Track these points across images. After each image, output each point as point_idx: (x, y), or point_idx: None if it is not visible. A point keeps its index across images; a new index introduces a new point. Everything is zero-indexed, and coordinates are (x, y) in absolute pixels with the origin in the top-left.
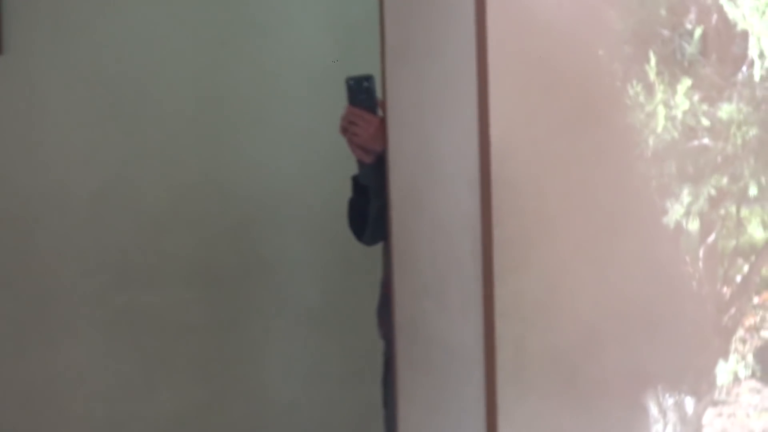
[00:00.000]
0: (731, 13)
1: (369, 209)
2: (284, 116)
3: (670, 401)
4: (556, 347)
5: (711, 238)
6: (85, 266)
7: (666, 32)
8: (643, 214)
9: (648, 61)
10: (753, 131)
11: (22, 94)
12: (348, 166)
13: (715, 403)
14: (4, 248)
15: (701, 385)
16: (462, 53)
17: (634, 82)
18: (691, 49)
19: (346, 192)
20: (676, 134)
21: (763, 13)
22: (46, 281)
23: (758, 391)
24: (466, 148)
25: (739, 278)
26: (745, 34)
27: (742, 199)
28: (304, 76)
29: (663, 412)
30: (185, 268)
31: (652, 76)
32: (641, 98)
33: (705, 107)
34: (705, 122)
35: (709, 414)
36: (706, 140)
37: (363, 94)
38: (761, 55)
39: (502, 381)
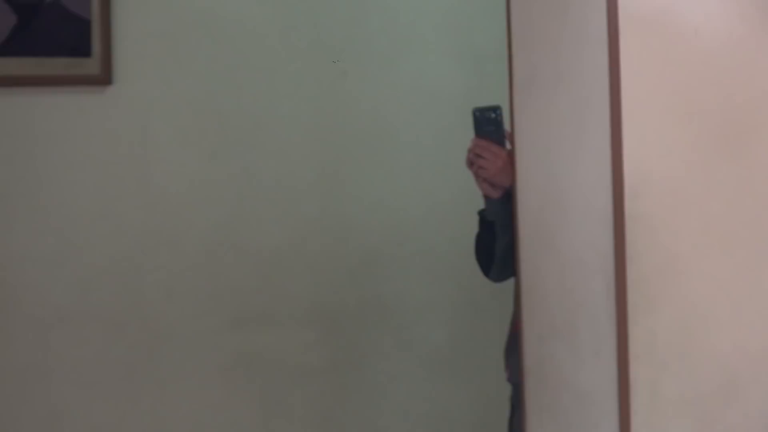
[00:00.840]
0: None
1: (496, 245)
2: (408, 149)
3: None
4: (693, 392)
5: None
6: (197, 307)
7: None
8: None
9: None
10: None
11: (132, 126)
12: (475, 200)
13: None
14: (113, 290)
15: None
16: (594, 81)
17: None
18: None
19: (473, 228)
20: None
21: None
22: (156, 323)
23: None
24: (597, 182)
25: None
26: None
27: None
28: (429, 108)
29: None
30: (303, 308)
31: None
32: None
33: None
34: None
35: None
36: None
37: (490, 126)
38: None
39: (636, 428)
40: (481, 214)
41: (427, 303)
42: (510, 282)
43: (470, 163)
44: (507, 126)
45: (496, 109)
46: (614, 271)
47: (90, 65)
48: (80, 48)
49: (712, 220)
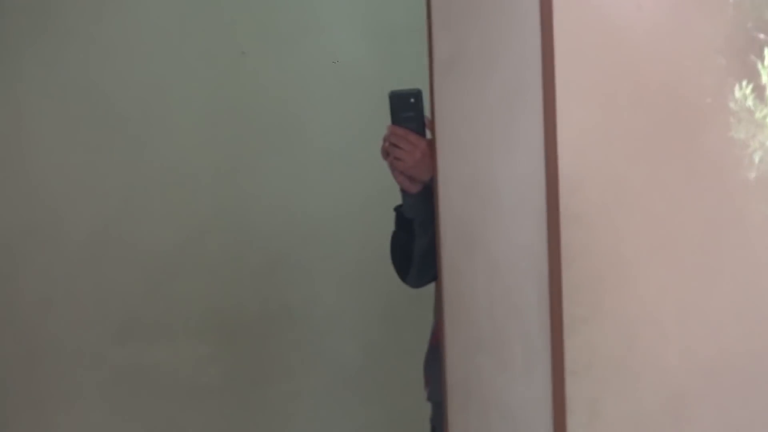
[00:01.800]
0: None
1: (414, 246)
2: (316, 139)
3: None
4: (637, 411)
5: None
6: (78, 317)
7: None
8: (743, 253)
9: (757, 63)
10: None
11: (4, 112)
12: (391, 196)
13: None
14: None
15: None
16: (525, 62)
17: (739, 88)
18: None
19: (389, 227)
20: None
21: None
22: (31, 335)
23: None
24: (529, 176)
25: None
26: None
27: None
28: (337, 91)
29: None
30: (197, 317)
31: (765, 78)
32: (749, 104)
33: None
34: None
35: None
36: None
37: (409, 112)
38: None
39: None
40: (398, 210)
41: (337, 312)
42: (430, 288)
43: (386, 154)
44: (427, 112)
45: (415, 94)
46: (549, 276)
47: None
48: None
49: (657, 219)
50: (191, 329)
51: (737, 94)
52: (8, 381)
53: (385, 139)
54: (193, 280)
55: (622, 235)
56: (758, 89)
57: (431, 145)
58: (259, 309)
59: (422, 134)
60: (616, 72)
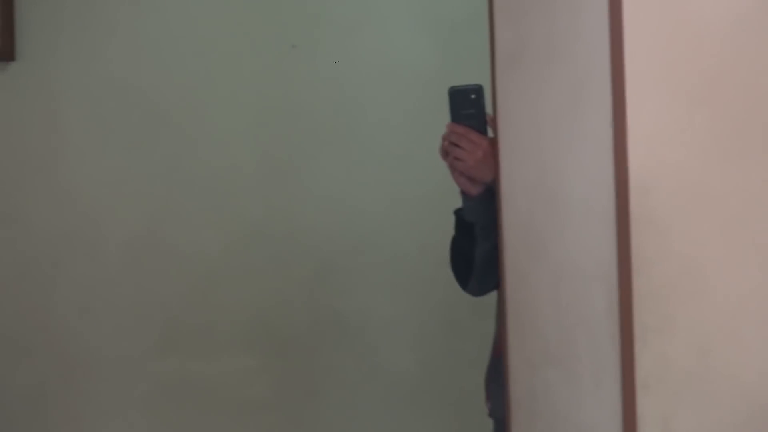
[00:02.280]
0: None
1: (476, 252)
2: (371, 137)
3: None
4: (713, 428)
5: None
6: (117, 326)
7: None
8: None
9: None
10: None
11: (40, 110)
12: (450, 198)
13: None
14: (17, 306)
15: None
16: (593, 56)
17: None
18: None
19: (448, 231)
20: None
21: None
22: (68, 346)
23: None
24: (598, 177)
25: None
26: None
27: None
28: (395, 88)
29: None
30: (245, 328)
31: None
32: None
33: None
34: None
35: None
36: None
37: (469, 109)
38: None
39: None
40: (458, 214)
41: (394, 321)
42: (492, 296)
43: (445, 153)
44: (489, 109)
45: (476, 89)
46: (618, 283)
47: None
48: None
49: (735, 223)
50: (238, 340)
51: None
52: (46, 393)
53: (444, 138)
54: (240, 288)
55: (697, 240)
56: None
57: (493, 144)
58: (310, 319)
59: (484, 133)
60: (692, 65)
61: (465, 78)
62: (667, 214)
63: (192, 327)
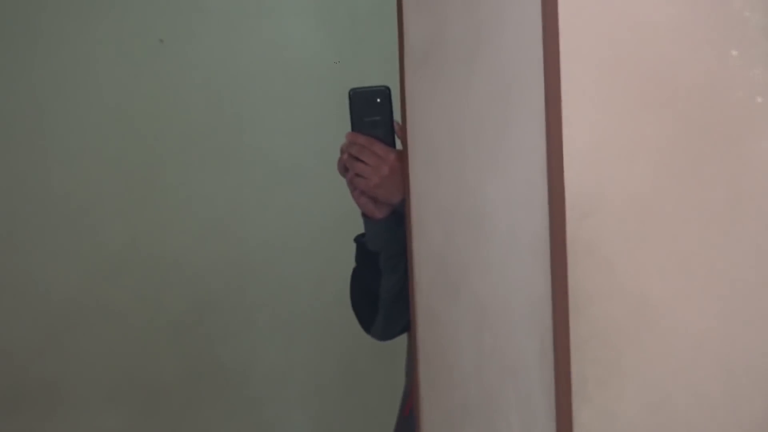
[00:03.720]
0: None
1: (381, 287)
2: (253, 149)
3: None
4: None
5: None
6: None
7: None
8: None
9: None
10: None
11: None
12: (350, 223)
13: None
14: None
15: None
16: (522, 54)
17: None
18: None
19: (349, 262)
20: None
21: None
22: None
23: None
24: (528, 196)
25: None
26: None
27: None
28: (284, 89)
29: None
30: (105, 382)
31: None
32: None
33: None
34: None
35: None
36: None
37: (374, 116)
38: None
39: None
40: (360, 241)
41: (283, 372)
42: (401, 341)
43: (344, 168)
44: (397, 116)
45: (382, 92)
46: (552, 326)
47: None
48: None
49: (692, 250)
50: (96, 395)
51: None
52: None
53: (343, 150)
54: (99, 333)
55: (647, 272)
56: None
57: (402, 158)
58: (182, 369)
59: (391, 144)
60: (638, 66)
61: (369, 79)
62: (610, 241)
63: (41, 380)
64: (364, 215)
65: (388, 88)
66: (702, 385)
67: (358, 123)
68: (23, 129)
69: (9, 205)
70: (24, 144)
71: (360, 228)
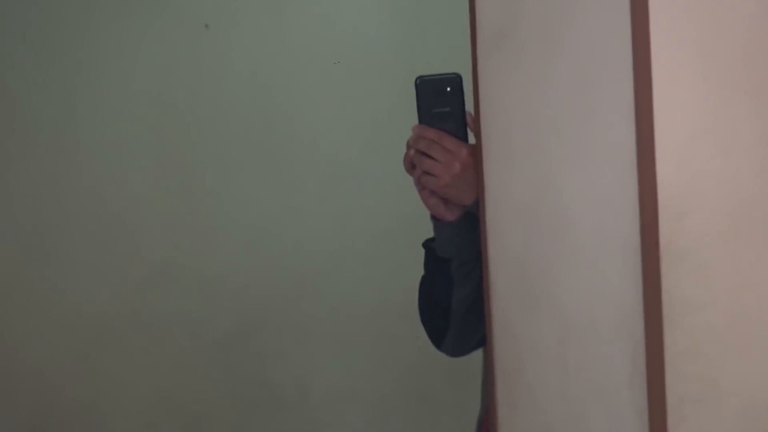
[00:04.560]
0: None
1: (453, 297)
2: (306, 146)
3: None
4: None
5: None
6: None
7: None
8: None
9: None
10: None
11: None
12: (417, 226)
13: None
14: None
15: None
16: (607, 38)
17: None
18: None
19: (417, 270)
20: None
21: None
22: None
23: None
24: (615, 196)
25: None
26: None
27: None
28: (342, 78)
29: None
30: (144, 407)
31: None
32: None
33: None
34: None
35: None
36: None
37: (444, 107)
38: None
39: None
40: (429, 246)
41: (344, 393)
42: (476, 357)
43: (411, 166)
44: (469, 107)
45: (452, 80)
46: (645, 338)
47: None
48: None
49: None
50: (135, 421)
51: None
52: None
53: (409, 146)
54: (136, 353)
55: (748, 278)
56: None
57: (475, 152)
58: (230, 392)
59: (463, 138)
60: (738, 48)
61: (437, 66)
62: (708, 245)
63: (73, 403)
64: (434, 218)
65: (459, 76)
66: None
67: (426, 115)
68: (52, 126)
69: (38, 212)
70: (52, 143)
71: (429, 232)
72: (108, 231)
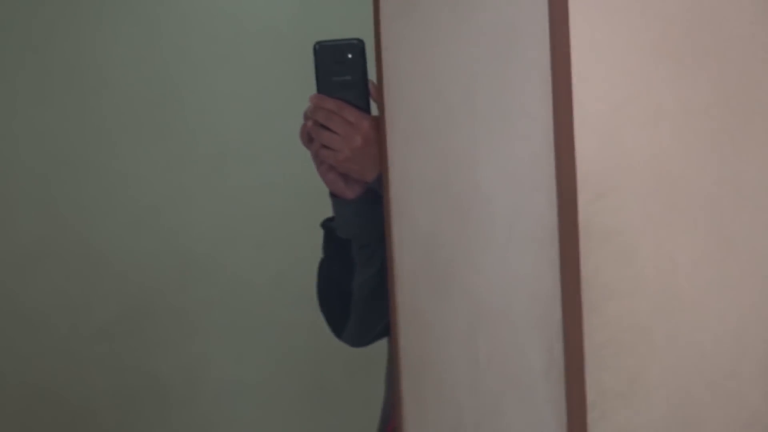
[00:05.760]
0: None
1: (354, 282)
2: (194, 118)
3: None
4: None
5: None
6: None
7: None
8: None
9: None
10: None
11: None
12: (315, 204)
13: None
14: None
15: None
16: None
17: None
18: None
19: (315, 252)
20: None
21: None
22: None
23: None
24: (531, 171)
25: None
26: None
27: None
28: (232, 43)
29: None
30: (18, 406)
31: None
32: None
33: None
34: None
35: None
36: None
37: (345, 75)
38: None
39: None
40: (328, 226)
41: (237, 386)
42: (380, 347)
43: (309, 139)
44: (372, 75)
45: (353, 46)
46: (563, 326)
47: None
48: None
49: (731, 236)
50: (12, 419)
51: None
52: None
53: (307, 117)
54: (9, 343)
55: (675, 262)
56: None
57: (378, 125)
58: (114, 386)
59: (365, 109)
60: (667, 9)
61: (336, 31)
62: (632, 226)
63: None
64: (333, 195)
65: (361, 41)
66: (740, 394)
67: (325, 83)
68: None
69: None
70: None
71: (328, 211)
72: None
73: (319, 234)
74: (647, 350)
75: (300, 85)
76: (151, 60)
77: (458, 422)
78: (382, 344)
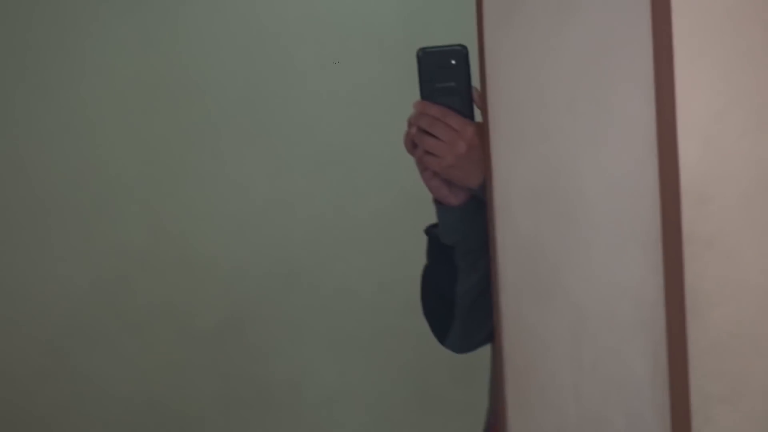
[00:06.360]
0: None
1: (457, 288)
2: (300, 125)
3: None
4: None
5: None
6: None
7: None
8: None
9: None
10: None
11: None
12: (419, 211)
13: None
14: None
15: None
16: (623, 4)
17: None
18: None
19: (419, 259)
20: None
21: None
22: None
23: None
24: (633, 178)
25: None
26: None
27: None
28: (337, 50)
29: None
30: (123, 410)
31: None
32: None
33: None
34: None
35: None
36: None
37: (448, 81)
38: None
39: None
40: (432, 233)
41: (340, 393)
42: (483, 354)
43: (413, 146)
44: (476, 82)
45: (457, 53)
46: (666, 332)
47: None
48: None
49: None
50: (115, 424)
51: None
52: None
53: (411, 123)
54: (115, 350)
55: None
56: None
57: (482, 131)
58: (218, 392)
59: (468, 115)
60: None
61: (440, 37)
62: (736, 232)
63: (46, 407)
64: (437, 202)
65: (464, 48)
66: None
67: (428, 90)
68: (25, 107)
69: (6, 197)
70: (25, 124)
71: (432, 217)
72: (85, 217)
73: (423, 240)
74: (751, 355)
75: (404, 91)
76: (255, 66)
77: (561, 429)
78: (485, 351)
